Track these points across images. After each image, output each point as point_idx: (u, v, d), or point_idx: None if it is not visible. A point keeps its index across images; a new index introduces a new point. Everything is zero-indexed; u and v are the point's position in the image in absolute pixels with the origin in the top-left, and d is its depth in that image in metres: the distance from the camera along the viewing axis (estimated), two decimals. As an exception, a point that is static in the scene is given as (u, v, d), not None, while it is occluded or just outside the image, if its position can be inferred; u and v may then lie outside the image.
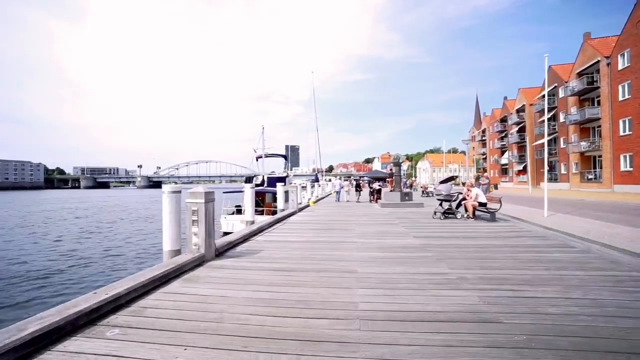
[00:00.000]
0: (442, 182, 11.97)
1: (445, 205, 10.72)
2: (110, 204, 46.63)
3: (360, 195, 19.85)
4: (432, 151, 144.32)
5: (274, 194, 13.76)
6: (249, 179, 20.03)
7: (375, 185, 19.04)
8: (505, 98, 55.88)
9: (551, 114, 38.79)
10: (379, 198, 18.19)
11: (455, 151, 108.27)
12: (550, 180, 40.79)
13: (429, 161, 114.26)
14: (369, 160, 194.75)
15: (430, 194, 25.87)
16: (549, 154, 39.83)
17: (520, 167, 47.96)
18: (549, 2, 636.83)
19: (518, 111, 48.67)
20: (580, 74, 32.37)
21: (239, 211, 16.88)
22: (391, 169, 54.81)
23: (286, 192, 13.67)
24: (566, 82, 34.99)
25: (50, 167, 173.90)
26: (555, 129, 38.16)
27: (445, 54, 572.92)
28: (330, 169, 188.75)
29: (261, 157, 20.50)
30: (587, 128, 32.61)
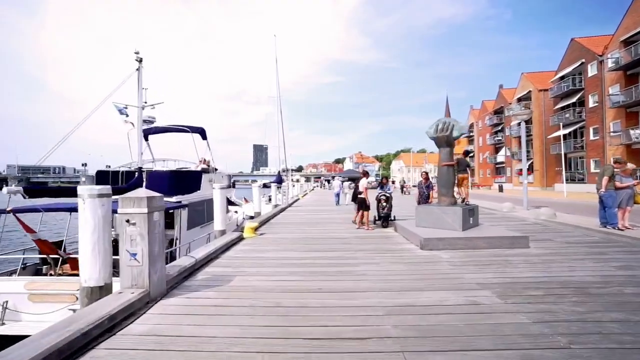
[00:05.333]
0: None
1: None
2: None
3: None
4: (403, 151, 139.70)
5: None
6: (102, 176, 9.27)
7: (363, 183, 8.61)
8: (501, 86, 48.76)
9: (575, 98, 31.32)
10: (386, 217, 8.40)
11: (424, 151, 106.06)
12: (571, 180, 33.31)
13: (403, 161, 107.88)
14: (339, 161, 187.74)
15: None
16: (573, 148, 32.30)
17: (526, 165, 40.52)
18: (506, 17, 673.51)
19: (520, 100, 41.32)
20: (626, 42, 24.79)
21: (49, 260, 6.33)
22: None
23: (131, 225, 3.39)
24: (601, 56, 27.47)
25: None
26: (581, 116, 30.63)
27: (415, 60, 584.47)
28: (300, 169, 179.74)
29: (153, 131, 9.78)
30: (635, 112, 25.09)
